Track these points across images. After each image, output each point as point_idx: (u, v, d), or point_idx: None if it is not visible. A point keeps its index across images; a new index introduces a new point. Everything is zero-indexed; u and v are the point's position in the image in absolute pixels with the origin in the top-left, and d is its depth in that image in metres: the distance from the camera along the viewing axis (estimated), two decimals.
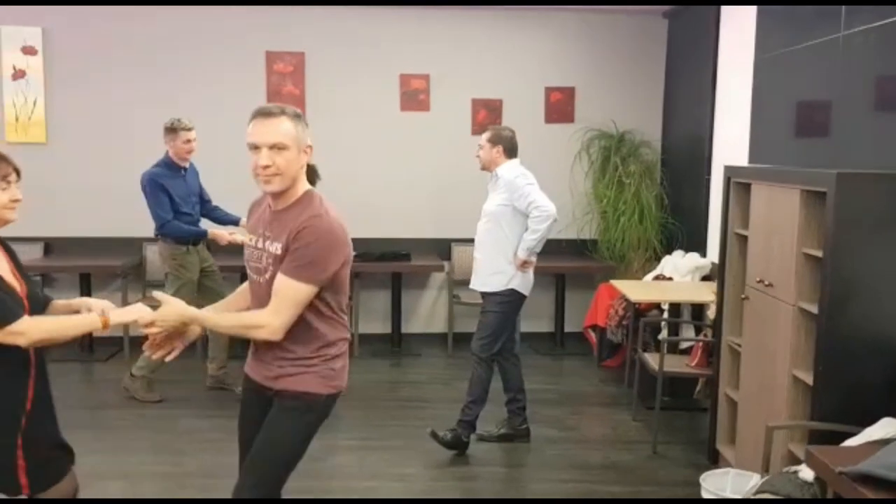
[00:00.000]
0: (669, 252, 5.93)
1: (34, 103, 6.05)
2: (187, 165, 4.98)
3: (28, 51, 6.00)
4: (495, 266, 4.24)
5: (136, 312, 2.35)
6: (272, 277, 2.34)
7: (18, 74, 6.02)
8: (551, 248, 6.31)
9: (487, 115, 6.35)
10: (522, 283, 4.27)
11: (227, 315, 2.49)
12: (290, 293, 2.29)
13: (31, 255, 5.90)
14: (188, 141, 4.86)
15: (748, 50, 4.79)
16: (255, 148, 2.30)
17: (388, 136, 6.36)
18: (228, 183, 5.63)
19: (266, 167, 2.29)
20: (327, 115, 6.19)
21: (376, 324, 6.38)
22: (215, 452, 4.21)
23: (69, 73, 6.06)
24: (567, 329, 6.53)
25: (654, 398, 4.36)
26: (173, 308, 2.33)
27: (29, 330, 2.09)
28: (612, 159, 6.31)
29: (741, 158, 4.82)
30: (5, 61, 5.99)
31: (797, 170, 3.46)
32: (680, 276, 5.50)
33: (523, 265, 4.20)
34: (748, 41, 4.80)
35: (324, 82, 6.25)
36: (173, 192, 4.84)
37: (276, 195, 2.36)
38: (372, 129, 6.32)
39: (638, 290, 5.09)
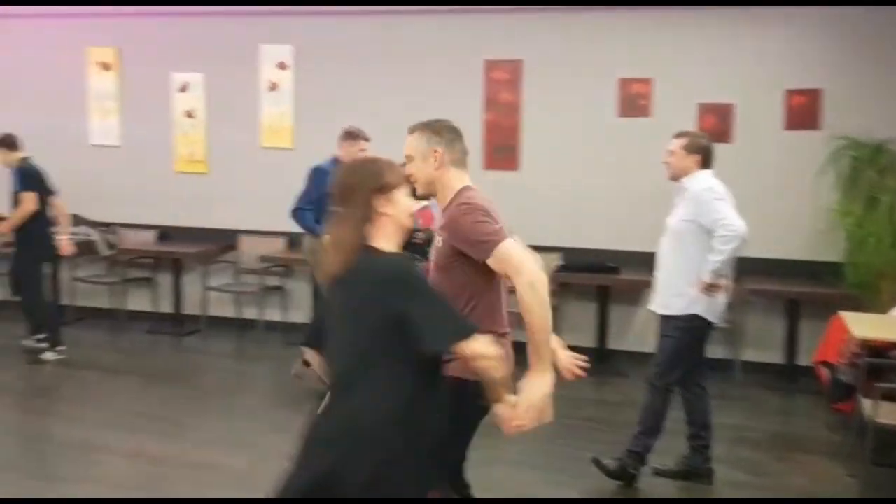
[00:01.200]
0: None
1: (284, 113, 6.74)
2: None
3: (281, 66, 6.70)
4: (676, 287, 3.88)
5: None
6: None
7: (273, 87, 6.74)
8: (783, 270, 5.71)
9: (716, 120, 5.85)
10: (709, 308, 3.85)
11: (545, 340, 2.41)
12: None
13: (274, 247, 6.59)
14: (362, 150, 5.17)
15: None
16: None
17: (604, 142, 6.12)
18: None
19: None
20: (542, 122, 6.16)
21: (580, 336, 6.16)
22: None
23: (314, 85, 6.65)
24: (801, 363, 5.80)
25: (884, 452, 3.70)
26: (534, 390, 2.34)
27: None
28: (866, 172, 5.47)
29: None
30: (263, 76, 6.74)
31: None
32: None
33: (708, 289, 3.79)
34: None
35: (540, 89, 6.19)
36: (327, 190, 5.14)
37: None
38: (587, 135, 6.13)
39: (870, 325, 4.36)
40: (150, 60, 6.96)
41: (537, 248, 6.56)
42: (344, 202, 2.16)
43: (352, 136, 5.24)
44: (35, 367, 5.81)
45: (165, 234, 7.04)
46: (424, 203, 4.95)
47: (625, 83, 6.06)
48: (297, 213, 5.29)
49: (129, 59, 7.03)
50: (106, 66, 7.05)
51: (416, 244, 5.02)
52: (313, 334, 5.05)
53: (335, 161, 5.30)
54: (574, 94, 6.14)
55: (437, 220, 4.95)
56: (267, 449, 4.51)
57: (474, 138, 6.19)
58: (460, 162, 2.68)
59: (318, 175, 5.26)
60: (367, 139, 5.24)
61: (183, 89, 6.91)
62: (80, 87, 7.10)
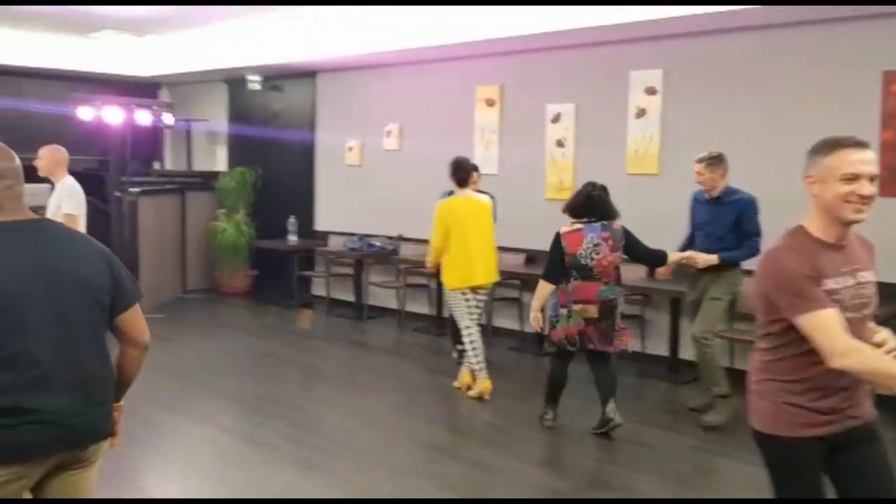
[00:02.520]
0: None
1: (650, 138, 6.63)
2: (714, 195, 5.11)
3: (650, 91, 6.61)
4: None
5: None
6: (874, 305, 2.38)
7: (640, 113, 6.68)
8: None
9: None
10: None
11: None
12: None
13: (636, 275, 6.49)
14: (698, 173, 5.07)
15: None
16: (853, 178, 2.29)
17: None
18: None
19: (868, 197, 2.28)
20: None
21: None
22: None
23: (683, 109, 6.43)
24: None
25: None
26: None
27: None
28: None
29: None
30: (631, 102, 6.72)
31: None
32: None
33: None
34: None
35: None
36: (695, 214, 5.33)
37: (848, 227, 2.35)
38: None
39: None
40: (528, 94, 7.42)
41: None
42: None
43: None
44: (419, 372, 6.53)
45: (532, 257, 7.40)
46: (578, 225, 4.67)
47: None
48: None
49: (510, 95, 7.58)
50: (490, 102, 7.69)
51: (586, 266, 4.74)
52: None
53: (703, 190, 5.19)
54: None
55: (587, 244, 4.62)
56: (595, 476, 4.47)
57: None
58: None
59: (692, 202, 5.41)
60: (698, 160, 5.17)
61: (555, 119, 7.21)
62: (469, 121, 7.85)
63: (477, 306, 5.80)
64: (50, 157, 5.72)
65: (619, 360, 6.61)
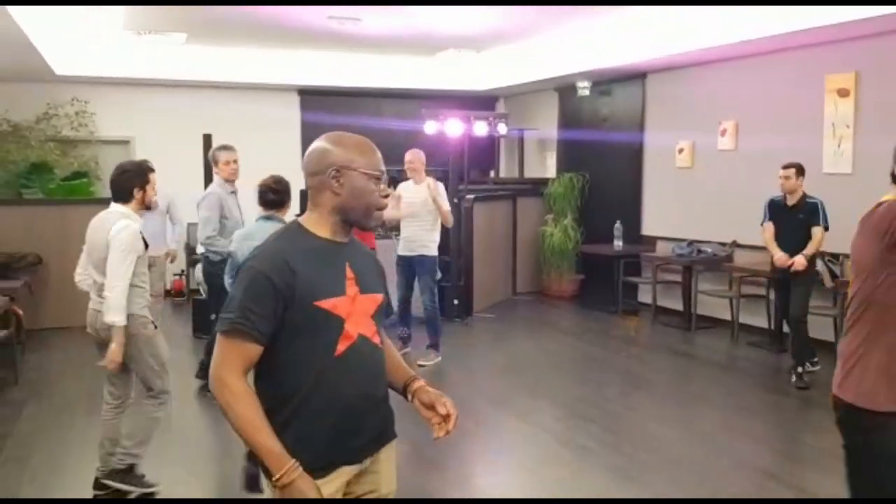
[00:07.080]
0: None
1: None
2: None
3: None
4: None
5: None
6: None
7: None
8: None
9: None
10: None
11: None
12: None
13: None
14: None
15: None
16: None
17: None
18: None
19: None
20: None
21: None
22: None
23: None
24: None
25: None
26: None
27: None
28: None
29: None
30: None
31: None
32: None
33: None
34: None
35: None
36: None
37: None
38: None
39: None
40: (891, 81, 6.46)
41: None
42: None
43: None
44: (753, 390, 6.06)
45: None
46: None
47: None
48: None
49: (868, 83, 6.66)
50: (843, 93, 6.82)
51: None
52: None
53: None
54: None
55: None
56: None
57: None
58: None
59: None
60: None
61: None
62: (817, 115, 7.06)
63: None
64: (418, 158, 6.66)
65: None
